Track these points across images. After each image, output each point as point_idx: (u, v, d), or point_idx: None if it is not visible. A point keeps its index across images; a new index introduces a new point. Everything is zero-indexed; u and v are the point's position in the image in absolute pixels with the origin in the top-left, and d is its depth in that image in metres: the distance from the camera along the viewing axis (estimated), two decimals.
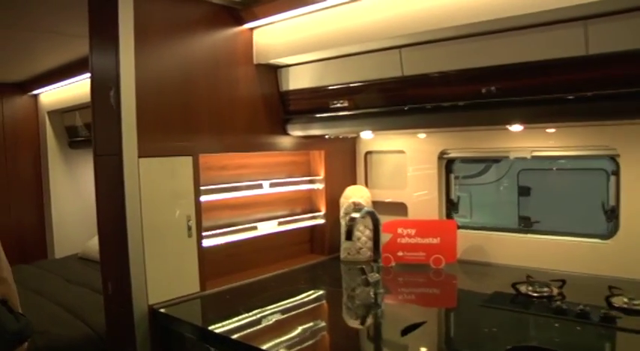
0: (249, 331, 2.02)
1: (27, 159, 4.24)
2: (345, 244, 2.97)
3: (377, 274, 2.36)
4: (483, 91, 2.15)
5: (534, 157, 2.69)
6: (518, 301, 2.18)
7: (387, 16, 2.18)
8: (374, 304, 2.29)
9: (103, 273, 2.38)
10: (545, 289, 2.22)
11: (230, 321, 2.09)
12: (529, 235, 2.73)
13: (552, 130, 2.54)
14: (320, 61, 2.58)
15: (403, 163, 3.08)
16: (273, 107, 2.76)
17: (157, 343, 2.24)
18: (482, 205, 3.32)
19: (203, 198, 2.45)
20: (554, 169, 4.15)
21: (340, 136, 3.06)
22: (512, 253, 2.71)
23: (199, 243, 2.42)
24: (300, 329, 2.02)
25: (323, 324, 2.19)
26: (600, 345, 1.85)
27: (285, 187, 2.89)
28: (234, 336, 1.94)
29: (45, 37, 3.02)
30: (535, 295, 2.20)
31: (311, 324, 2.13)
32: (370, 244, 2.96)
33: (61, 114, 4.25)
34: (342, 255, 2.98)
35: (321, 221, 3.05)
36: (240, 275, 2.68)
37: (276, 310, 2.24)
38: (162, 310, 2.22)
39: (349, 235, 2.27)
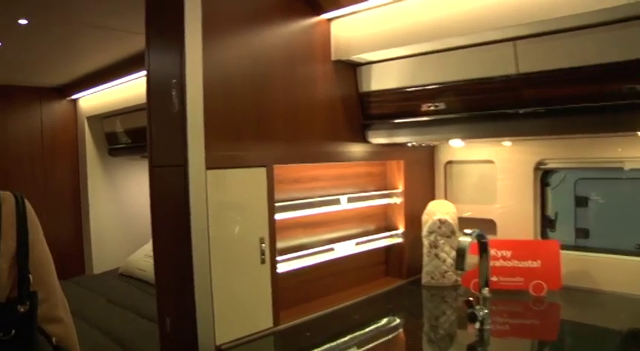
0: None
1: (65, 167, 3.85)
2: (427, 267, 2.52)
3: (485, 309, 1.93)
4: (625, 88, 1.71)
5: None
6: None
7: (499, 2, 1.74)
8: (480, 343, 1.85)
9: (159, 306, 1.96)
10: None
11: None
12: None
13: None
14: (411, 56, 2.15)
15: (490, 175, 2.63)
16: (351, 111, 2.33)
17: None
18: None
19: (277, 216, 2.02)
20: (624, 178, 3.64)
21: (420, 144, 2.62)
22: (627, 280, 2.25)
23: (273, 270, 1.99)
24: None
25: None
26: None
27: (362, 202, 2.46)
28: None
29: (86, 32, 2.62)
30: None
31: None
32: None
33: (100, 120, 3.86)
34: (425, 279, 2.54)
35: (399, 240, 2.61)
36: (314, 305, 2.25)
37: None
38: None
39: (461, 263, 1.84)
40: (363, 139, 2.37)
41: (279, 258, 2.04)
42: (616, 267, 2.29)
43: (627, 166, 2.28)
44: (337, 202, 2.32)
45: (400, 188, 2.59)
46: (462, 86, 2.04)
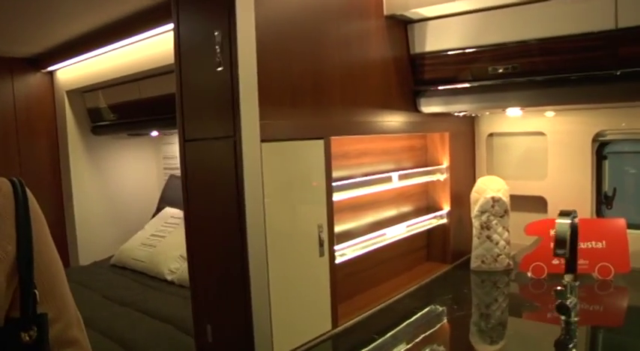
0: None
1: (42, 147, 3.32)
2: (478, 251, 2.21)
3: (574, 298, 1.63)
4: None
5: None
6: None
7: None
8: (566, 338, 1.55)
9: (196, 310, 1.60)
10: None
11: None
12: None
13: None
14: (479, 11, 1.80)
15: (538, 147, 2.33)
16: (402, 76, 1.97)
17: None
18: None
19: (334, 197, 1.66)
20: None
21: (469, 114, 2.29)
22: None
23: (332, 263, 1.64)
24: None
25: None
26: None
27: (411, 179, 2.11)
28: None
29: None
30: None
31: None
32: (509, 250, 2.22)
33: (81, 94, 3.35)
34: (474, 263, 2.23)
35: (443, 221, 2.28)
36: (365, 298, 1.92)
37: None
38: None
39: (562, 249, 1.52)
40: (414, 108, 2.02)
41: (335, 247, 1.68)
42: None
43: None
44: (389, 180, 1.97)
45: (445, 163, 2.25)
46: (545, 45, 1.71)
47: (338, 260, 1.72)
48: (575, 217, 1.61)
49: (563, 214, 1.56)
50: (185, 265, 2.78)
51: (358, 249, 1.82)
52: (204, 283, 1.55)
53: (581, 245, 2.08)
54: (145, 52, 2.69)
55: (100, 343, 2.14)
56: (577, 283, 1.63)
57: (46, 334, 0.90)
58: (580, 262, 2.07)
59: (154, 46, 2.62)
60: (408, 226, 2.08)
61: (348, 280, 1.88)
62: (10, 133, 3.16)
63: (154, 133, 3.48)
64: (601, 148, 2.24)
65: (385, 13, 1.84)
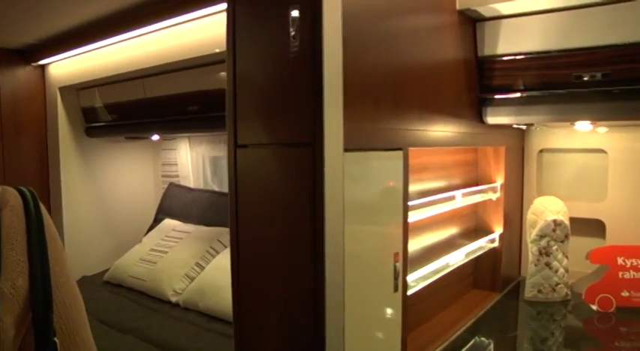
0: None
1: (30, 149, 2.91)
2: (534, 278, 1.94)
3: None
4: None
5: None
6: None
7: None
8: None
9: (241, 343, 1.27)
10: None
11: None
12: None
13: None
14: (566, 10, 1.54)
15: (597, 166, 2.08)
16: (470, 81, 1.69)
17: None
18: None
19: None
20: None
21: (523, 127, 2.03)
22: None
23: (404, 298, 1.34)
24: None
25: None
26: None
27: (470, 198, 1.82)
28: None
29: None
30: None
31: None
32: (567, 278, 1.95)
33: (76, 91, 2.97)
34: (529, 293, 1.95)
35: (494, 245, 2.01)
36: (422, 336, 1.62)
37: None
38: None
39: None
40: (478, 118, 1.74)
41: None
42: None
43: None
44: (452, 198, 1.68)
45: (498, 181, 1.98)
46: None
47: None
48: None
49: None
50: (191, 285, 2.44)
51: (423, 280, 1.53)
52: (258, 322, 1.23)
53: None
54: (153, 46, 2.36)
55: None
56: None
57: None
58: None
59: (164, 39, 2.29)
60: (467, 254, 1.80)
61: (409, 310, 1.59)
62: None
63: (155, 137, 3.12)
64: None
65: (458, 7, 1.57)
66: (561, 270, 1.92)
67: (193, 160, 3.24)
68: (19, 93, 2.88)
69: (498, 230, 2.00)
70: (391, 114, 1.27)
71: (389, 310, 1.30)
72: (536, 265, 1.93)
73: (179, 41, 2.21)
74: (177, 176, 3.30)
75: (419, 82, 1.39)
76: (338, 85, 1.07)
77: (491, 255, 2.01)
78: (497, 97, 1.72)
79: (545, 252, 1.91)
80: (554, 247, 1.91)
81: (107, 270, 2.85)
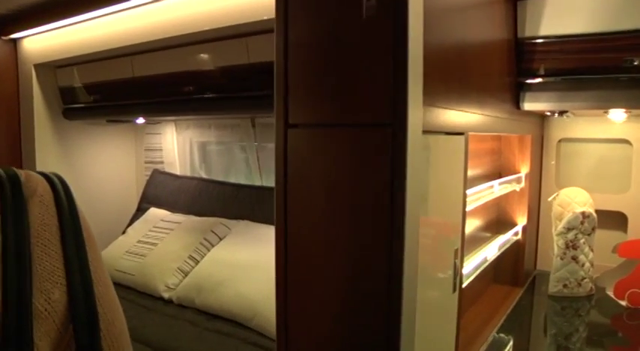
0: None
1: (0, 133, 2.64)
2: (560, 273, 1.84)
3: None
4: None
5: None
6: None
7: None
8: None
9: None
10: None
11: None
12: None
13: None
14: None
15: (619, 157, 1.99)
16: (509, 64, 1.56)
17: None
18: None
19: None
20: None
21: (555, 116, 1.92)
22: None
23: (460, 299, 1.20)
24: None
25: None
26: None
27: (505, 187, 1.70)
28: None
29: None
30: None
31: None
32: (592, 272, 1.87)
33: (53, 69, 2.70)
34: (554, 288, 1.85)
35: (517, 238, 1.90)
36: (462, 332, 1.48)
37: None
38: None
39: None
40: (515, 104, 1.61)
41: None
42: None
43: None
44: (491, 189, 1.55)
45: (523, 171, 1.87)
46: None
47: None
48: None
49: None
50: (186, 280, 2.25)
51: (466, 278, 1.39)
52: (311, 333, 1.06)
53: None
54: (148, 19, 2.13)
55: None
56: None
57: None
58: None
59: (156, 13, 2.07)
60: (500, 247, 1.68)
61: None
62: None
63: (140, 121, 2.88)
64: None
65: None
66: (587, 264, 1.83)
67: (180, 146, 3.02)
68: None
69: (521, 222, 1.89)
70: (457, 95, 1.12)
71: (447, 313, 1.16)
72: (562, 259, 1.83)
73: (178, 14, 2.00)
74: (161, 162, 3.07)
75: (477, 62, 1.25)
76: (419, 56, 0.91)
77: (514, 248, 1.90)
78: (536, 81, 1.59)
79: (572, 245, 1.81)
80: (582, 240, 1.81)
81: None
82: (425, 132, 0.95)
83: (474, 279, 1.58)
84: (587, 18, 1.48)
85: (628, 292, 1.76)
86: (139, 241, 2.51)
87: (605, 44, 1.47)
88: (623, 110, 1.72)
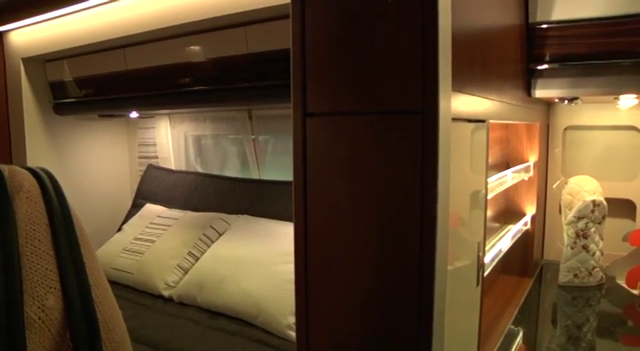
0: None
1: None
2: (570, 262, 1.81)
3: None
4: None
5: None
6: None
7: None
8: None
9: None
10: None
11: None
12: None
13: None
14: None
15: (626, 144, 1.96)
16: (521, 49, 1.51)
17: None
18: None
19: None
20: None
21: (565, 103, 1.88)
22: None
23: (483, 294, 1.16)
24: None
25: None
26: None
27: (517, 176, 1.66)
28: None
29: None
30: None
31: None
32: (603, 261, 1.84)
33: (42, 63, 2.61)
34: (565, 278, 1.82)
35: (527, 228, 1.86)
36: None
37: None
38: None
39: None
40: (527, 91, 1.57)
41: None
42: None
43: None
44: (504, 177, 1.51)
45: (532, 160, 1.83)
46: None
47: None
48: None
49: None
50: (186, 277, 2.18)
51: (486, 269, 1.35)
52: (335, 334, 1.01)
53: None
54: (138, 10, 2.05)
55: None
56: None
57: None
58: None
59: (150, 2, 2.00)
60: (512, 237, 1.64)
61: None
62: None
63: (134, 115, 2.80)
64: None
65: None
66: (598, 253, 1.80)
67: (174, 140, 2.94)
68: None
69: (530, 212, 1.85)
70: (480, 81, 1.07)
71: (471, 306, 1.12)
72: (572, 249, 1.80)
73: (173, 3, 1.93)
74: (155, 157, 2.99)
75: (495, 47, 1.20)
76: (447, 39, 0.85)
77: (523, 238, 1.87)
78: (548, 67, 1.54)
79: (582, 234, 1.78)
80: (592, 229, 1.78)
81: None
82: (455, 119, 0.90)
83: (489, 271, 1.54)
84: (599, 2, 1.43)
85: None
86: (135, 239, 2.44)
87: (619, 28, 1.42)
88: (635, 96, 1.69)
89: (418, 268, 0.86)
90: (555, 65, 1.53)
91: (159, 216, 2.54)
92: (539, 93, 1.56)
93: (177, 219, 2.47)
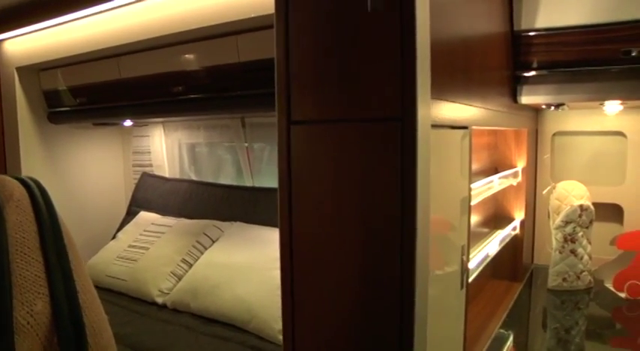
0: None
1: None
2: (559, 267, 1.83)
3: None
4: None
5: None
6: None
7: None
8: None
9: None
10: None
11: None
12: None
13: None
14: None
15: (613, 150, 2.00)
16: (507, 56, 1.54)
17: None
18: None
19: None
20: None
21: (551, 109, 1.91)
22: None
23: (467, 297, 1.18)
24: None
25: None
26: None
27: (504, 181, 1.69)
28: None
29: None
30: None
31: None
32: (591, 265, 1.86)
33: (37, 72, 2.63)
34: (553, 282, 1.85)
35: (515, 233, 1.88)
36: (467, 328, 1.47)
37: None
38: None
39: None
40: (512, 97, 1.60)
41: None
42: None
43: None
44: (490, 183, 1.54)
45: (520, 165, 1.86)
46: None
47: None
48: None
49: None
50: (180, 284, 2.20)
51: (470, 274, 1.37)
52: (320, 337, 1.03)
53: None
54: (131, 19, 2.08)
55: None
56: None
57: None
58: None
59: (143, 12, 2.03)
60: (500, 242, 1.66)
61: None
62: None
63: (128, 123, 2.82)
64: None
65: None
66: (586, 257, 1.83)
67: (168, 148, 2.97)
68: None
69: (519, 217, 1.88)
70: (462, 88, 1.10)
71: (455, 310, 1.14)
72: (560, 253, 1.82)
73: (165, 12, 1.96)
74: (150, 165, 3.01)
75: (479, 55, 1.23)
76: (426, 47, 0.88)
77: (513, 243, 1.89)
78: (534, 74, 1.58)
79: (570, 239, 1.81)
80: (580, 234, 1.81)
81: None
82: (432, 126, 0.93)
83: (477, 275, 1.56)
84: (584, 9, 1.47)
85: (627, 284, 1.76)
86: (130, 246, 2.46)
87: (603, 35, 1.46)
88: (619, 102, 1.72)
89: (400, 272, 0.88)
90: (541, 72, 1.57)
91: (153, 223, 2.56)
92: (526, 99, 1.60)
93: (170, 226, 2.49)
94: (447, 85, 1.01)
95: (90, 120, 2.68)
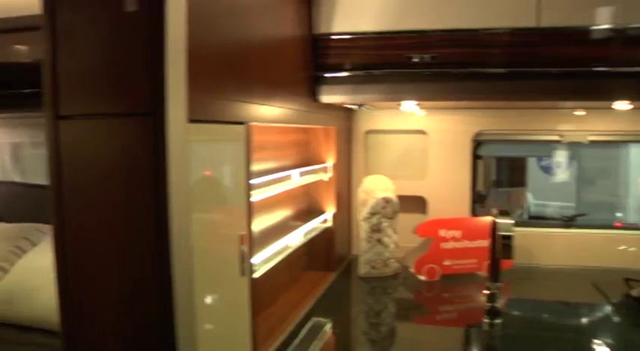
0: None
1: None
2: (367, 255, 2.01)
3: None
4: None
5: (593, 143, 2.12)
6: None
7: None
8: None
9: None
10: None
11: None
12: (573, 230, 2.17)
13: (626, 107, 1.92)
14: None
15: (418, 147, 2.23)
16: (306, 58, 1.67)
17: None
18: None
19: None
20: None
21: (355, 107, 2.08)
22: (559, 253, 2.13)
23: (251, 282, 1.28)
24: None
25: None
26: None
27: (305, 177, 1.81)
28: None
29: None
30: None
31: None
32: (397, 253, 2.07)
33: None
34: (363, 270, 2.02)
35: (328, 225, 2.03)
36: (268, 318, 1.58)
37: None
38: None
39: (509, 252, 1.42)
40: (312, 97, 1.73)
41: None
42: (546, 240, 2.18)
43: (566, 140, 2.13)
44: (289, 178, 1.65)
45: (330, 161, 2.01)
46: (469, 36, 1.58)
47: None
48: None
49: (504, 214, 1.44)
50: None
51: (265, 263, 1.47)
52: (94, 327, 1.06)
53: (469, 244, 2.03)
54: None
55: None
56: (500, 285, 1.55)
57: None
58: (470, 261, 2.04)
59: None
60: (306, 234, 1.79)
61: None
62: None
63: None
64: (476, 148, 2.23)
65: None
66: (392, 245, 2.03)
67: None
68: None
69: (331, 210, 2.03)
70: (235, 87, 1.18)
71: (237, 296, 1.23)
72: (368, 242, 2.00)
73: None
74: None
75: (262, 58, 1.32)
76: (180, 47, 0.95)
77: (325, 235, 2.04)
78: (331, 75, 1.72)
79: (376, 229, 1.99)
80: (385, 224, 2.00)
81: None
82: (195, 121, 1.00)
83: (281, 267, 1.68)
84: (373, 18, 1.64)
85: (425, 268, 1.98)
86: None
87: (388, 42, 1.64)
88: (415, 102, 1.93)
89: (157, 264, 0.94)
90: (337, 73, 1.71)
91: None
92: (325, 99, 1.74)
93: None
94: (212, 84, 1.09)
95: None
